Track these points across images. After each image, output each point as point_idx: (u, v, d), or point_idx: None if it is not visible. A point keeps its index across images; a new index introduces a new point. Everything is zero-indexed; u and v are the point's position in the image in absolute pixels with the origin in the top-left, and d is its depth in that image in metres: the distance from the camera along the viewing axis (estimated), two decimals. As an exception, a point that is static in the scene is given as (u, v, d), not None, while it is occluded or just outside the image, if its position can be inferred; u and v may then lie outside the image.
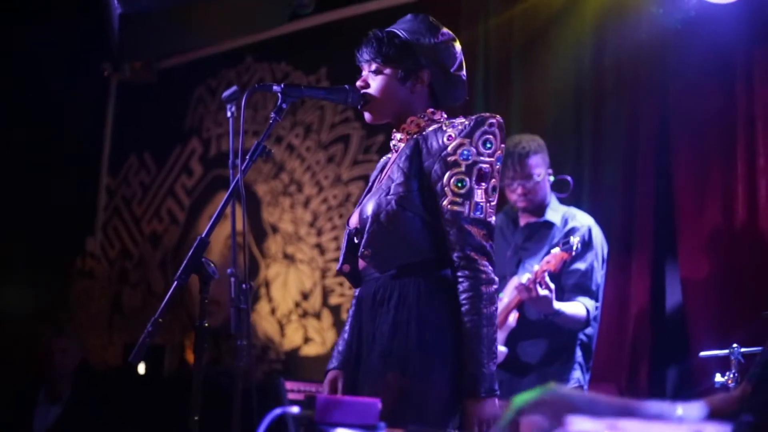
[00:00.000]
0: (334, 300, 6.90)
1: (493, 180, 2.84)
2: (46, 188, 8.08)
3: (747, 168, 4.83)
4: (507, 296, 4.36)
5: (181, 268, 2.82)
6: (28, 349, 7.11)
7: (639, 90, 5.26)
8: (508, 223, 4.61)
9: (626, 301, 5.09)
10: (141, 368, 6.22)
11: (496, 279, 2.86)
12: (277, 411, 2.13)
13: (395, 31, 3.05)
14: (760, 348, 3.68)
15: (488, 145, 2.84)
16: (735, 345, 3.69)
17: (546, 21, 5.70)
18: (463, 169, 2.81)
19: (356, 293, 3.10)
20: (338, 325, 6.83)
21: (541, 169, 4.44)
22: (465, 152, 2.83)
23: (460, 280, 2.81)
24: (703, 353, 3.87)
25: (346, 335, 3.13)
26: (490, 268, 2.83)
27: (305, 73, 7.37)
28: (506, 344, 4.32)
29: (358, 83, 3.07)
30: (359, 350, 2.93)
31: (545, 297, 4.06)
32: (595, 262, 4.34)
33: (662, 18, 4.84)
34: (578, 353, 4.33)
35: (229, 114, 3.34)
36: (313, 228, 7.09)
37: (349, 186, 6.88)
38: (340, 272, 3.14)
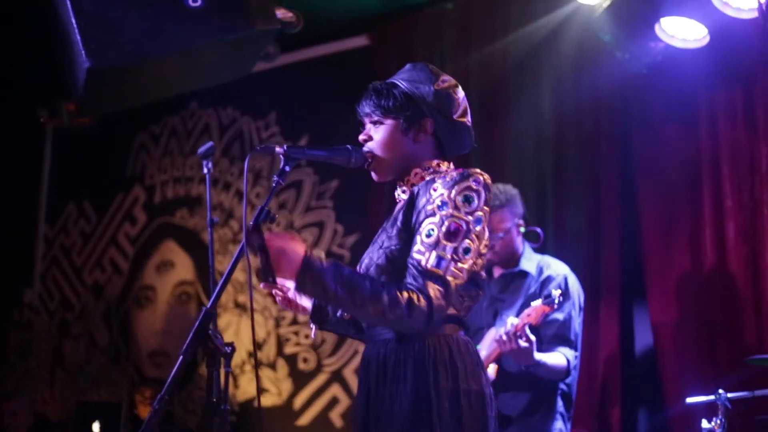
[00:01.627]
0: (289, 349, 6.78)
1: (468, 241, 2.69)
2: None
3: (714, 211, 4.86)
4: (485, 349, 4.29)
5: (186, 342, 2.66)
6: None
7: (601, 136, 5.28)
8: (481, 274, 4.56)
9: (595, 346, 5.08)
10: (96, 427, 6.02)
11: (417, 320, 2.62)
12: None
13: (395, 81, 2.97)
14: (745, 393, 3.69)
15: (468, 203, 2.72)
16: (721, 391, 3.67)
17: (504, 69, 5.71)
18: (437, 220, 2.71)
19: (363, 354, 2.98)
20: (294, 375, 6.71)
21: (507, 224, 4.40)
22: (442, 204, 2.73)
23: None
24: (690, 399, 3.85)
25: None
26: (422, 312, 2.60)
27: (253, 119, 7.27)
28: (487, 397, 4.25)
29: (361, 137, 2.97)
30: (367, 413, 2.82)
31: (526, 349, 4.00)
32: (573, 311, 4.31)
33: (627, 63, 4.85)
34: (559, 403, 4.29)
35: (205, 170, 3.22)
36: (265, 276, 6.96)
37: (302, 233, 6.77)
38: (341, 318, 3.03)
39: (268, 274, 2.74)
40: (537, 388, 4.26)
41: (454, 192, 2.72)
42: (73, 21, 3.87)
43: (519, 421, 4.26)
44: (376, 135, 2.94)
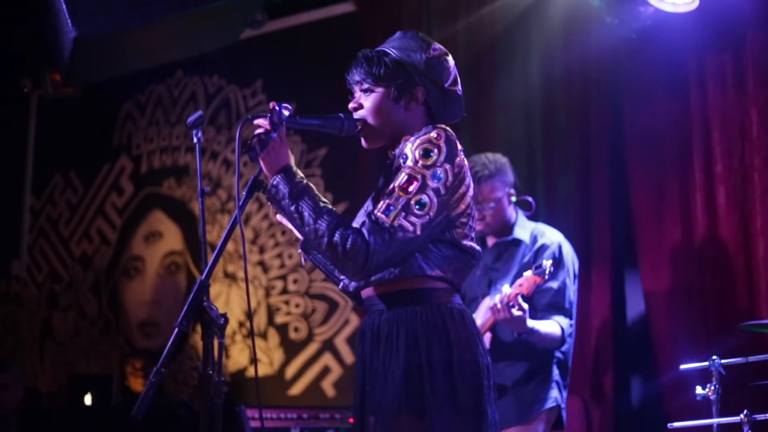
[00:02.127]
0: (280, 319, 6.77)
1: (423, 195, 2.64)
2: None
3: (705, 176, 4.85)
4: (480, 318, 4.28)
5: (182, 314, 2.64)
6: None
7: (590, 100, 5.26)
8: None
9: (587, 313, 5.07)
10: (87, 399, 6.00)
11: (355, 254, 2.61)
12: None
13: (385, 49, 2.94)
14: (739, 359, 3.68)
15: (426, 156, 2.69)
16: (714, 357, 3.66)
17: (492, 36, 5.66)
18: (401, 173, 2.70)
19: (360, 324, 2.97)
20: (285, 344, 6.71)
21: (498, 193, 4.36)
22: (405, 158, 2.72)
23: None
24: (683, 366, 3.84)
25: None
26: (359, 252, 2.60)
27: (239, 87, 7.22)
28: (481, 366, 4.24)
29: (351, 105, 2.94)
30: (363, 384, 2.81)
31: (519, 317, 3.98)
32: (567, 279, 4.28)
33: (617, 28, 4.82)
34: (555, 371, 4.27)
35: (195, 140, 3.17)
36: (254, 245, 6.95)
37: (291, 202, 6.73)
38: (343, 290, 3.00)
39: (252, 151, 2.75)
40: (532, 356, 4.24)
41: (415, 146, 2.71)
42: (59, -10, 3.84)
43: (514, 390, 4.24)
44: (366, 103, 2.91)
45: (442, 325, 2.70)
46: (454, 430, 2.63)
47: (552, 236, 4.38)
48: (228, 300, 7.04)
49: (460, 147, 2.76)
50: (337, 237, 2.63)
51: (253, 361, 3.05)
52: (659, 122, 5.01)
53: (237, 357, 6.87)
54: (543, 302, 4.23)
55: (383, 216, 2.64)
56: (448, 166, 2.69)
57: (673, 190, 4.95)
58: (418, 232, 2.65)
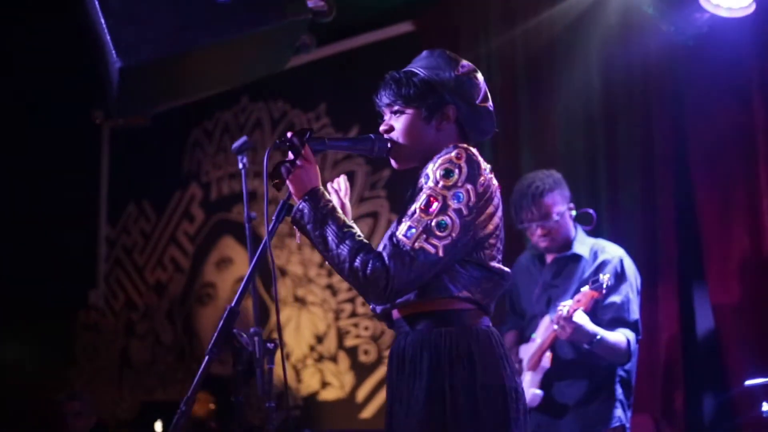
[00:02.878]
0: (349, 342, 6.74)
1: (444, 216, 2.59)
2: (45, 242, 7.90)
3: (771, 184, 4.69)
4: (540, 337, 4.20)
5: (212, 341, 2.62)
6: (35, 405, 6.97)
7: (652, 109, 5.14)
8: (533, 260, 4.45)
9: (655, 328, 4.95)
10: (158, 426, 6.04)
11: (375, 280, 2.58)
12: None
13: (413, 69, 2.90)
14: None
15: (447, 177, 2.63)
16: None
17: (550, 41, 5.58)
18: (422, 194, 2.65)
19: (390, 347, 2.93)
20: (356, 367, 6.67)
21: (560, 207, 4.26)
22: (426, 179, 2.67)
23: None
24: (749, 382, 3.71)
25: None
26: (380, 276, 2.56)
27: (303, 111, 7.24)
28: (541, 386, 4.15)
29: (382, 128, 2.91)
30: (391, 407, 2.77)
31: (580, 327, 3.88)
32: (630, 294, 4.16)
33: (673, 35, 4.70)
34: (618, 390, 4.15)
35: (240, 165, 3.14)
36: (323, 269, 6.93)
37: (357, 223, 6.69)
38: (373, 312, 2.96)
39: (279, 179, 2.75)
40: (595, 375, 4.13)
41: (436, 166, 2.66)
42: (102, 21, 3.85)
43: (576, 410, 4.14)
44: (397, 124, 2.88)
45: (466, 348, 2.64)
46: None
47: (613, 251, 4.26)
48: (298, 324, 7.03)
49: (484, 167, 2.70)
50: (357, 263, 2.59)
51: (284, 384, 2.99)
52: (722, 130, 4.87)
53: (308, 381, 6.85)
54: (606, 318, 4.11)
55: (404, 239, 2.59)
56: (469, 187, 2.63)
57: (739, 199, 4.80)
58: (441, 254, 2.59)
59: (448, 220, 2.60)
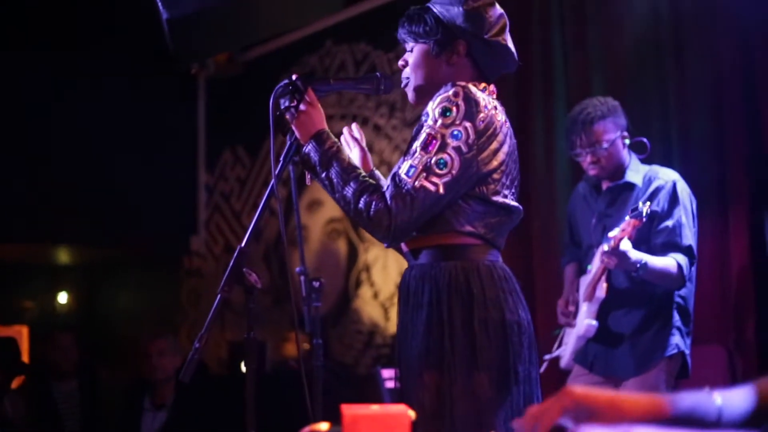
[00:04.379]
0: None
1: (443, 154, 2.63)
2: (149, 192, 8.16)
3: None
4: (594, 266, 4.18)
5: (223, 280, 2.72)
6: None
7: (720, 36, 4.97)
8: (590, 190, 4.42)
9: (726, 258, 4.84)
10: (243, 366, 6.21)
11: (379, 220, 2.65)
12: (306, 429, 2.04)
13: (428, 6, 2.91)
14: None
15: (445, 115, 2.66)
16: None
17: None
18: (422, 132, 2.69)
19: None
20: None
21: (611, 135, 4.20)
22: (426, 118, 2.71)
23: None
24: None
25: None
26: (383, 214, 2.63)
27: (384, 51, 7.25)
28: (597, 317, 4.14)
29: (399, 63, 2.98)
30: (400, 344, 2.83)
31: (624, 254, 3.85)
32: (683, 218, 4.09)
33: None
34: (675, 317, 4.09)
35: (285, 105, 3.21)
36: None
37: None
38: (398, 251, 3.01)
39: (283, 126, 2.82)
40: (650, 302, 4.10)
41: (435, 104, 2.68)
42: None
43: (632, 339, 4.12)
44: (410, 59, 2.92)
45: (465, 283, 2.67)
46: (476, 389, 2.59)
47: (665, 175, 4.20)
48: (385, 264, 7.11)
49: (484, 103, 2.70)
50: (361, 204, 2.65)
51: (295, 323, 3.07)
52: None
53: (395, 319, 6.93)
54: (659, 242, 4.07)
55: (406, 177, 2.64)
56: (468, 124, 2.65)
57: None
58: (442, 192, 2.62)
59: (448, 158, 2.63)
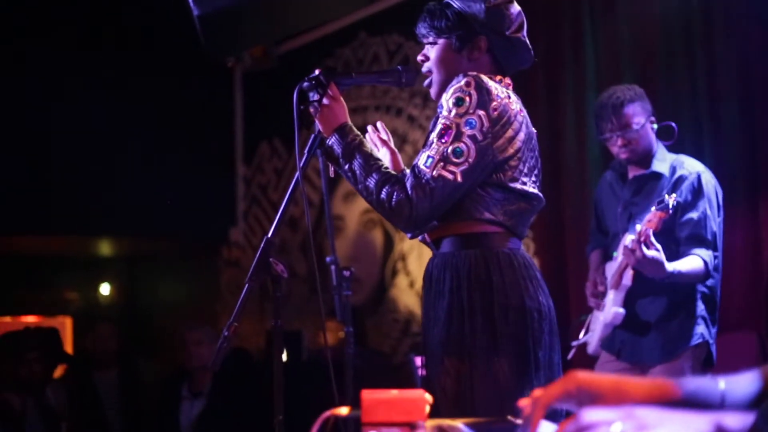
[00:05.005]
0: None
1: (459, 143, 2.70)
2: (189, 184, 8.28)
3: None
4: (621, 254, 4.21)
5: (250, 271, 2.81)
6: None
7: (749, 24, 4.98)
8: (616, 179, 4.45)
9: (758, 244, 4.85)
10: (284, 355, 6.30)
11: (400, 210, 2.73)
12: (326, 413, 2.11)
13: (449, 1, 2.97)
14: None
15: (459, 105, 2.73)
16: None
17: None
18: (438, 123, 2.77)
19: None
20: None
21: (640, 118, 4.23)
22: (441, 109, 2.79)
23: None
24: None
25: None
26: (404, 204, 2.71)
27: (417, 43, 7.26)
28: (624, 304, 4.18)
29: (419, 57, 3.04)
30: (425, 331, 2.90)
31: (653, 258, 3.85)
32: (708, 210, 4.11)
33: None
34: (700, 306, 4.12)
35: (310, 99, 3.28)
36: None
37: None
38: (423, 241, 3.08)
39: (307, 120, 2.92)
40: (675, 291, 4.11)
41: (449, 95, 2.75)
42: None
43: (658, 326, 4.15)
44: (431, 54, 2.98)
45: (485, 271, 2.73)
46: (497, 376, 2.65)
47: (691, 166, 4.22)
48: (420, 253, 7.17)
49: (497, 92, 2.76)
50: (383, 195, 2.72)
51: (321, 313, 3.14)
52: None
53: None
54: (683, 234, 4.10)
55: (424, 168, 2.71)
56: (481, 113, 2.71)
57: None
58: (460, 180, 2.69)
59: (464, 147, 2.70)
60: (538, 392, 1.69)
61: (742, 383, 1.70)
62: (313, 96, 2.89)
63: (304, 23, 4.83)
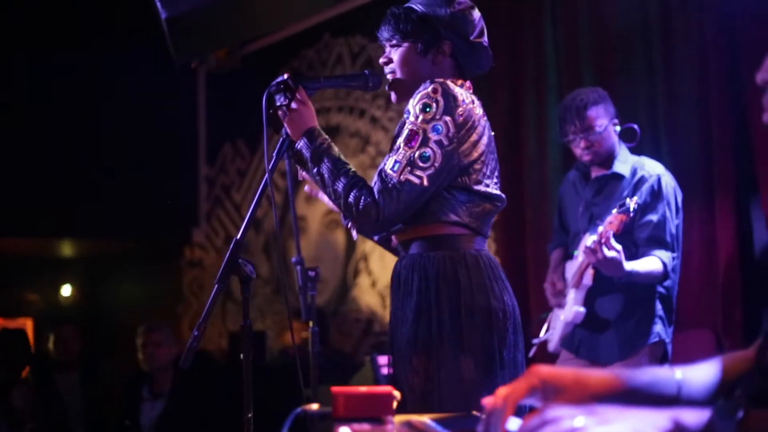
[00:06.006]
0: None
1: (426, 149, 2.76)
2: (152, 184, 8.28)
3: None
4: (582, 254, 4.28)
5: (220, 272, 2.84)
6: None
7: (707, 27, 5.08)
8: (579, 178, 4.53)
9: (713, 244, 4.95)
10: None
11: (367, 213, 2.78)
12: (298, 410, 2.16)
13: (412, 6, 3.03)
14: None
15: (425, 110, 2.78)
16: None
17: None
18: (405, 129, 2.82)
19: None
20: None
21: (603, 120, 4.32)
22: (408, 114, 2.84)
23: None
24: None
25: None
26: (371, 208, 2.75)
27: (380, 44, 7.34)
28: (584, 303, 4.26)
29: (381, 60, 3.09)
30: (392, 330, 2.96)
31: (613, 259, 3.94)
32: (668, 212, 4.20)
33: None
34: (658, 306, 4.21)
35: (278, 103, 3.32)
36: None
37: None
38: (383, 246, 3.14)
39: (275, 123, 2.97)
40: (633, 291, 4.20)
41: (416, 101, 2.81)
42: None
43: (616, 325, 4.23)
44: (395, 57, 3.03)
45: (453, 271, 2.79)
46: (462, 373, 2.71)
47: (651, 168, 4.30)
48: (383, 253, 7.20)
49: (462, 98, 2.83)
50: (351, 198, 2.77)
51: (285, 313, 3.19)
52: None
53: (392, 308, 7.06)
54: (643, 236, 4.18)
55: (391, 173, 2.76)
56: (447, 118, 2.78)
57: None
58: (426, 184, 2.75)
59: (430, 152, 2.76)
60: (502, 390, 1.75)
61: (699, 374, 1.77)
62: (280, 99, 2.93)
63: (270, 25, 4.87)
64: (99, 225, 8.40)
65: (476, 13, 3.02)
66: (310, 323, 4.07)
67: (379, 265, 7.21)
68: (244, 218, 8.28)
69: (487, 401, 1.76)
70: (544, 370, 1.72)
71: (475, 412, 2.31)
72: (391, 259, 6.97)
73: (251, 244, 8.31)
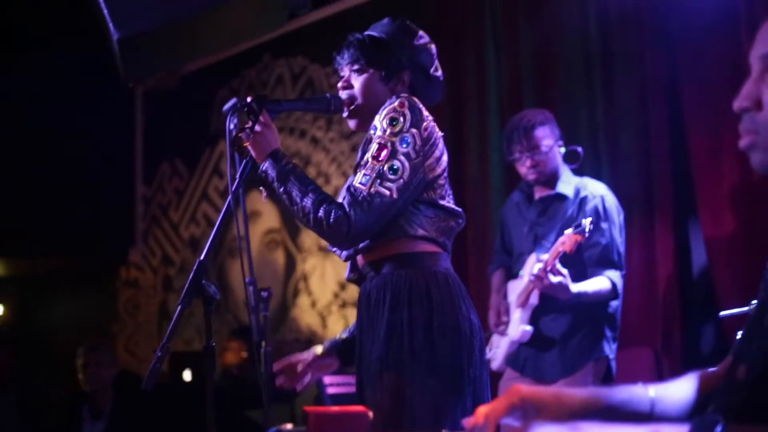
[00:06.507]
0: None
1: (394, 161, 2.81)
2: (87, 203, 8.21)
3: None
4: (527, 274, 4.36)
5: (183, 292, 2.85)
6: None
7: (645, 49, 5.22)
8: (523, 199, 4.61)
9: (653, 264, 5.08)
10: (187, 376, 6.33)
11: (338, 226, 2.79)
12: (272, 430, 2.19)
13: (374, 34, 3.09)
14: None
15: (393, 125, 2.83)
16: (754, 301, 3.65)
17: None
18: (372, 143, 2.86)
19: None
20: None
21: (549, 140, 4.42)
22: (375, 130, 2.88)
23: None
24: (723, 312, 3.86)
25: (351, 328, 3.19)
26: (341, 222, 2.77)
27: (322, 65, 7.41)
28: (530, 322, 4.34)
29: (340, 84, 3.11)
30: (361, 350, 2.98)
31: (560, 284, 4.05)
32: (614, 232, 4.32)
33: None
34: (602, 323, 4.30)
35: (232, 126, 3.35)
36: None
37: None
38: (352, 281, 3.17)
39: (238, 145, 2.98)
40: (578, 309, 4.27)
41: (383, 116, 2.86)
42: (99, -5, 4.05)
43: (561, 343, 4.31)
44: (356, 83, 3.07)
45: (425, 289, 2.84)
46: (432, 390, 2.75)
47: (594, 189, 4.42)
48: (323, 273, 7.27)
49: (426, 114, 2.89)
50: (321, 213, 2.80)
51: (255, 335, 3.20)
52: (712, 67, 4.94)
53: (333, 327, 7.10)
54: (592, 257, 4.28)
55: (361, 186, 2.80)
56: (414, 131, 2.84)
57: (729, 135, 4.86)
58: (395, 196, 2.79)
59: (398, 164, 2.81)
60: (483, 408, 1.80)
61: (674, 391, 1.83)
62: (233, 121, 2.96)
63: (216, 47, 4.87)
64: (32, 244, 8.31)
65: (434, 48, 3.11)
66: (263, 344, 4.07)
67: (320, 285, 7.24)
68: (182, 238, 8.31)
69: (468, 420, 1.80)
70: (524, 389, 1.78)
71: (444, 431, 2.37)
72: (331, 279, 7.03)
73: (189, 264, 8.28)
